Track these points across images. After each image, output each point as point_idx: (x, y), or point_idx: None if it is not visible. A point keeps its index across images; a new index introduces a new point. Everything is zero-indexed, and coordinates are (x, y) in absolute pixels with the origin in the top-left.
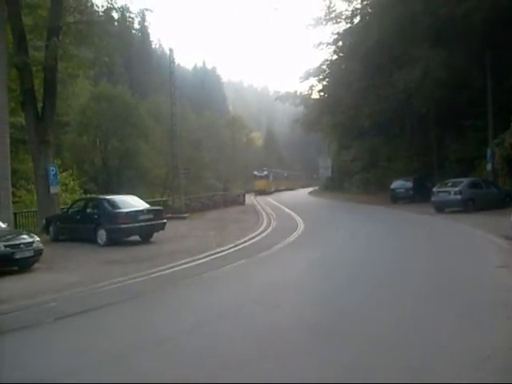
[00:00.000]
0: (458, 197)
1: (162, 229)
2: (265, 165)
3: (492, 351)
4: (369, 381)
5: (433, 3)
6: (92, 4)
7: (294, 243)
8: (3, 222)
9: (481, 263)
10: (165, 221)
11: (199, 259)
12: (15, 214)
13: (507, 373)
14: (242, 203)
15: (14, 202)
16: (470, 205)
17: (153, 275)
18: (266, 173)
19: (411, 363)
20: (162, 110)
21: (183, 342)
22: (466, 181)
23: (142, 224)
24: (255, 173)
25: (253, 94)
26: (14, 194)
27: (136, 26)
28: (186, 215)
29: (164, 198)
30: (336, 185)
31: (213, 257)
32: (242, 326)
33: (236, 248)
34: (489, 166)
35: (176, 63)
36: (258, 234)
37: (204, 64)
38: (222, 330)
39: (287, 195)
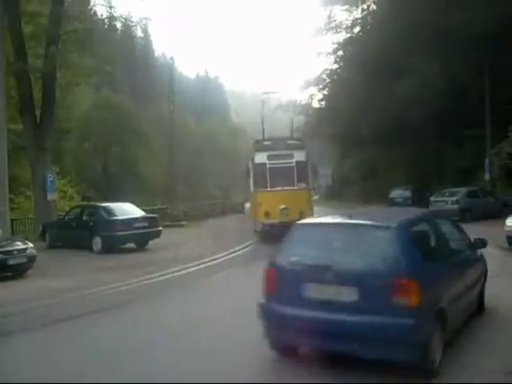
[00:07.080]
0: (456, 206)
1: (158, 236)
2: None
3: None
4: None
5: (432, 14)
6: (95, 12)
7: None
8: None
9: None
10: (160, 228)
11: (191, 267)
12: (12, 220)
13: None
14: (242, 211)
15: (12, 209)
16: (468, 214)
17: (143, 282)
18: (302, 156)
19: None
20: (163, 118)
21: (166, 348)
22: (463, 190)
23: (138, 231)
24: (264, 161)
25: (255, 102)
26: (12, 201)
27: (139, 34)
28: (184, 223)
29: (164, 206)
30: (336, 193)
31: (206, 265)
32: (219, 336)
33: (230, 256)
34: (487, 176)
35: (179, 72)
36: (254, 242)
37: (206, 73)
38: (200, 339)
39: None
